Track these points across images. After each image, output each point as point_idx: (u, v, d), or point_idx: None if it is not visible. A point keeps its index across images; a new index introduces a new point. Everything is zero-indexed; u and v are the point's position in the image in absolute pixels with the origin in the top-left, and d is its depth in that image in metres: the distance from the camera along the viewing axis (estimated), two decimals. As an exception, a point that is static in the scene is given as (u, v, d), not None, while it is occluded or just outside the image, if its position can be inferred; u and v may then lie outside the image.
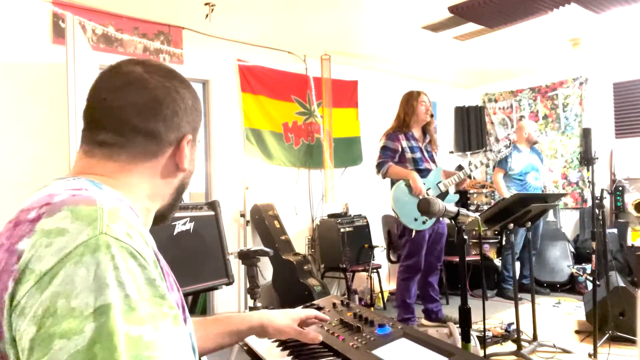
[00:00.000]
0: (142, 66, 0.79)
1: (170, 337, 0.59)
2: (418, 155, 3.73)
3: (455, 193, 4.45)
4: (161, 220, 0.87)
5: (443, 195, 3.72)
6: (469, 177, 3.85)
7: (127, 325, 0.55)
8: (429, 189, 3.67)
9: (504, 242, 5.02)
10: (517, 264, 4.61)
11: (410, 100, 3.77)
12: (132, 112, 0.76)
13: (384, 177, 3.72)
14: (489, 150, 3.91)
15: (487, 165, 4.45)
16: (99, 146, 0.76)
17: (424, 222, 3.61)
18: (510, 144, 3.99)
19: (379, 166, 3.70)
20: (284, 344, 1.17)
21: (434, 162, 3.84)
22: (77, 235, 0.58)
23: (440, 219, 3.66)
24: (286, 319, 1.11)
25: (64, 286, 0.55)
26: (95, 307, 0.55)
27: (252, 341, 1.19)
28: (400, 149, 3.70)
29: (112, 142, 0.76)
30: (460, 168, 5.80)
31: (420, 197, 2.91)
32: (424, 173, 3.72)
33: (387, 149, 3.70)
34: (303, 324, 1.14)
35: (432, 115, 3.80)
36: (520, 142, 4.91)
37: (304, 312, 1.17)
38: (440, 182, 3.73)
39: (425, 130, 3.84)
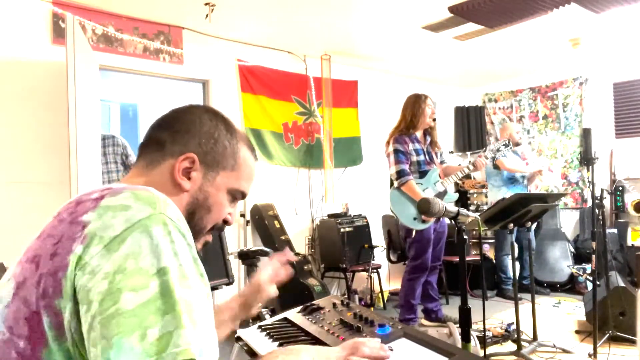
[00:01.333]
0: (202, 105, 0.95)
1: (208, 309, 0.69)
2: (422, 157, 3.74)
3: (455, 192, 4.43)
4: None
5: (441, 195, 3.72)
6: (468, 176, 3.85)
7: (181, 288, 0.65)
8: (426, 188, 3.68)
9: (499, 244, 5.02)
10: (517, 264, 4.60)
11: (418, 102, 3.76)
12: (156, 125, 0.90)
13: (400, 186, 3.69)
14: (486, 150, 3.87)
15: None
16: (137, 156, 0.91)
17: (423, 221, 3.62)
18: (508, 142, 3.94)
19: (400, 174, 3.65)
20: (284, 344, 1.17)
21: (434, 163, 3.84)
22: (141, 211, 0.68)
23: (441, 218, 3.66)
24: (256, 279, 1.25)
25: (133, 249, 0.65)
26: (158, 268, 0.64)
27: (253, 340, 1.19)
28: (408, 151, 3.71)
29: (142, 150, 0.90)
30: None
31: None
32: (425, 175, 3.74)
33: (399, 152, 3.68)
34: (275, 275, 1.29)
35: (434, 120, 3.80)
36: None
37: (271, 264, 1.29)
38: (437, 181, 3.73)
39: (426, 131, 3.85)
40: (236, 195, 0.92)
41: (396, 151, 3.70)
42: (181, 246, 0.68)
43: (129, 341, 0.59)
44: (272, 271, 1.27)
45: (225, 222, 0.94)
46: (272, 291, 1.25)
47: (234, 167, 0.90)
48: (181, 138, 0.86)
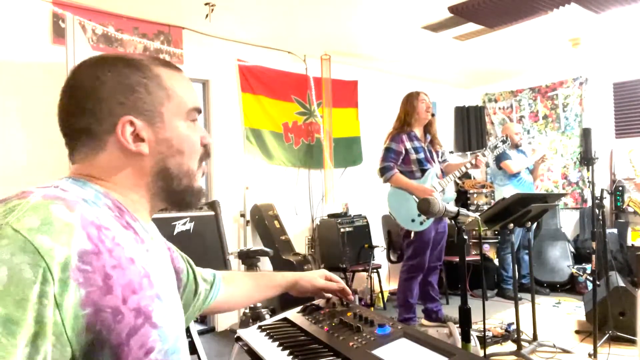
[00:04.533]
0: (81, 64, 0.79)
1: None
2: (422, 155, 3.73)
3: (454, 192, 4.43)
4: (181, 206, 0.84)
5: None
6: (468, 176, 3.85)
7: None
8: None
9: (501, 242, 5.03)
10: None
11: (410, 100, 3.79)
12: (67, 116, 0.77)
13: (386, 182, 3.71)
14: (484, 148, 3.86)
15: (488, 165, 4.41)
16: (70, 151, 0.80)
17: (421, 223, 3.61)
18: (506, 138, 3.90)
19: (383, 170, 3.69)
20: (284, 344, 1.17)
21: (434, 161, 3.84)
22: None
23: (442, 218, 3.66)
24: (316, 274, 1.29)
25: None
26: None
27: (252, 341, 1.19)
28: (404, 151, 3.70)
29: (73, 145, 0.78)
30: None
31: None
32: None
33: (390, 150, 3.70)
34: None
35: (433, 115, 3.80)
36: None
37: (330, 274, 1.31)
38: (435, 181, 3.72)
39: (426, 129, 3.85)
40: (191, 115, 0.82)
41: (387, 149, 3.72)
42: (3, 262, 0.55)
43: None
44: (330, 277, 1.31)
45: (205, 147, 0.85)
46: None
47: (169, 95, 0.79)
48: (101, 112, 0.74)
